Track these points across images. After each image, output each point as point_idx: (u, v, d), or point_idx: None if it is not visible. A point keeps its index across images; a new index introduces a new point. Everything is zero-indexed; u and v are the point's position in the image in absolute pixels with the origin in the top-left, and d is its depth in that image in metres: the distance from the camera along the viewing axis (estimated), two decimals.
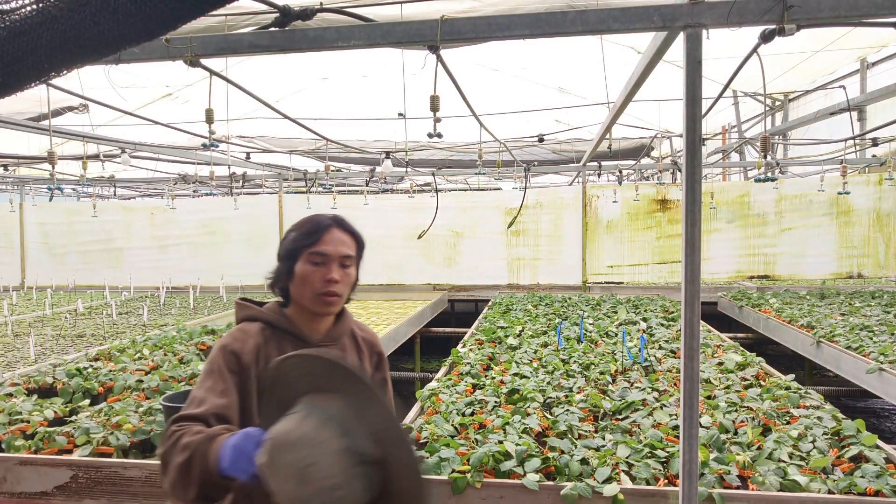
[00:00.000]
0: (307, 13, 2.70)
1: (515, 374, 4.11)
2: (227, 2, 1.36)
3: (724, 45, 5.07)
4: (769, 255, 8.80)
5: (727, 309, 7.93)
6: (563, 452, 2.77)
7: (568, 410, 3.31)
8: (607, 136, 5.64)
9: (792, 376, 4.06)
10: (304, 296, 1.66)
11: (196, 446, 1.36)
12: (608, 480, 2.52)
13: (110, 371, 4.27)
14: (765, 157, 5.42)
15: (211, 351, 1.68)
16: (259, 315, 1.70)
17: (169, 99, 7.21)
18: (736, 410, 3.34)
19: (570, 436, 3.00)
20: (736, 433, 3.05)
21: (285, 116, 5.58)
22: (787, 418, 3.27)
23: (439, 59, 2.91)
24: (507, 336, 5.42)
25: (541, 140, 8.48)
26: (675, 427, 3.04)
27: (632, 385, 3.89)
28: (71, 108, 6.77)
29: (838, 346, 4.99)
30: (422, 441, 2.98)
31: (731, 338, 5.83)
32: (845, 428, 3.00)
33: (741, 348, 4.94)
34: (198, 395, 1.57)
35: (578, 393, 3.72)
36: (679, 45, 2.26)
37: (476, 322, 6.49)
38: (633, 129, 8.99)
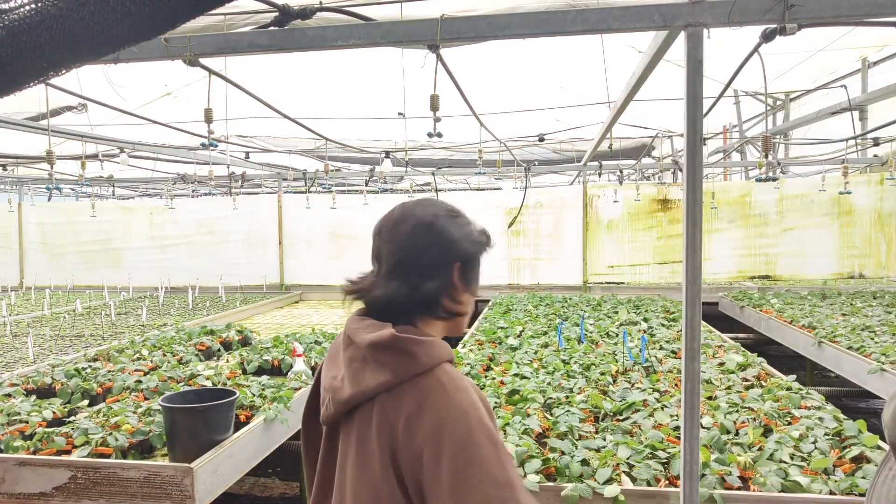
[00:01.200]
0: (307, 12, 2.70)
1: (516, 375, 4.10)
2: (226, 1, 1.35)
3: (725, 45, 5.07)
4: (770, 256, 8.79)
5: (728, 309, 7.92)
6: (563, 453, 2.76)
7: (568, 411, 3.30)
8: (608, 135, 5.63)
9: (793, 377, 4.05)
10: (466, 314, 1.30)
11: None
12: (609, 481, 2.51)
13: (109, 371, 4.26)
14: (766, 156, 5.41)
15: (474, 413, 1.15)
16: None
17: (168, 98, 7.19)
18: (737, 411, 3.33)
19: (570, 437, 2.99)
20: (737, 434, 3.04)
21: (285, 116, 5.58)
22: (789, 419, 3.26)
23: (439, 58, 2.91)
24: (507, 336, 5.41)
25: (541, 140, 8.47)
26: (676, 428, 3.03)
27: (632, 386, 3.88)
28: (70, 108, 6.76)
29: (839, 347, 4.97)
30: None
31: (732, 338, 5.82)
32: (846, 428, 3.00)
33: (742, 349, 4.93)
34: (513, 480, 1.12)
35: (579, 394, 3.70)
36: (680, 45, 2.25)
37: (476, 322, 6.48)
38: (634, 129, 8.98)
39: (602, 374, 4.09)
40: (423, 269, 1.25)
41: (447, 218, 1.29)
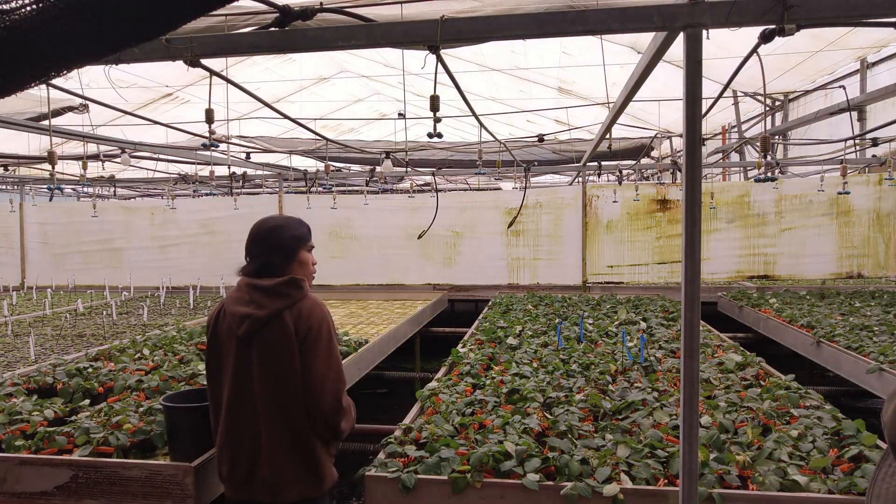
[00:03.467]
0: (307, 13, 2.71)
1: (515, 374, 4.11)
2: (227, 2, 1.36)
3: (724, 45, 5.08)
4: (769, 255, 8.80)
5: (727, 309, 7.93)
6: (563, 452, 2.77)
7: (568, 410, 3.31)
8: (607, 135, 5.64)
9: (792, 376, 4.06)
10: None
11: None
12: (608, 480, 2.52)
13: (110, 371, 4.26)
14: (765, 157, 5.42)
15: (324, 321, 2.46)
16: None
17: (169, 99, 7.21)
18: (736, 410, 3.33)
19: (570, 436, 3.00)
20: (736, 433, 3.05)
21: (285, 116, 5.59)
22: (787, 418, 3.27)
23: (439, 59, 2.91)
24: (507, 336, 5.42)
25: (541, 140, 8.48)
26: (675, 427, 3.04)
27: (632, 385, 3.89)
28: (71, 108, 6.78)
29: (838, 346, 4.98)
30: (422, 441, 2.98)
31: (730, 338, 5.83)
32: (845, 428, 3.00)
33: (741, 348, 4.93)
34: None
35: (578, 393, 3.71)
36: (679, 45, 2.26)
37: (476, 322, 6.49)
38: (633, 129, 9.00)
39: (601, 373, 4.10)
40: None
41: (282, 227, 2.63)
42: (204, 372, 4.20)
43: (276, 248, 2.54)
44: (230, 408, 2.46)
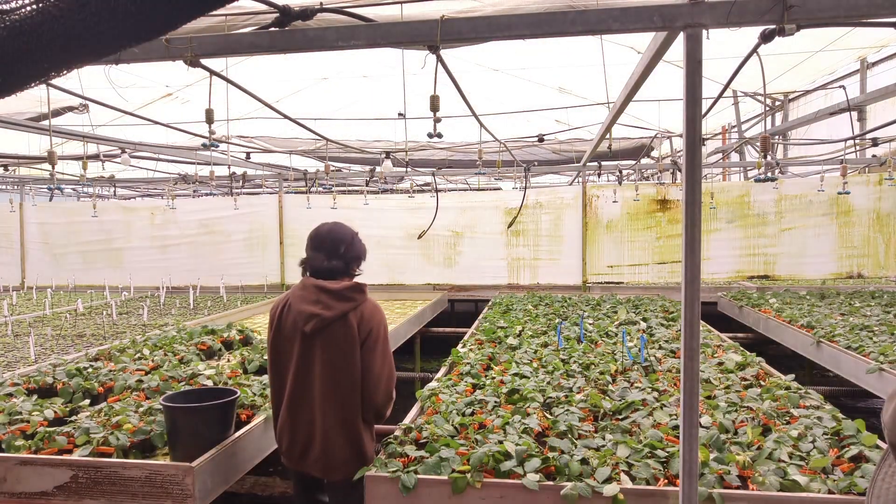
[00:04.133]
0: (307, 13, 2.71)
1: (515, 374, 4.11)
2: (226, 2, 1.36)
3: (724, 45, 5.08)
4: (769, 255, 8.80)
5: (727, 309, 7.93)
6: (563, 452, 2.77)
7: (568, 410, 3.31)
8: (607, 136, 5.64)
9: (792, 376, 4.06)
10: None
11: None
12: (608, 480, 2.52)
13: (110, 371, 4.27)
14: (765, 157, 5.42)
15: (382, 323, 2.80)
16: None
17: (169, 99, 7.21)
18: (736, 410, 3.34)
19: (570, 436, 3.00)
20: (736, 433, 3.05)
21: (285, 116, 5.58)
22: (787, 418, 3.27)
23: (439, 59, 2.91)
24: (507, 336, 5.42)
25: (541, 140, 8.48)
26: (675, 427, 3.04)
27: (632, 385, 3.89)
28: (71, 108, 6.77)
29: (838, 346, 4.98)
30: (422, 441, 2.98)
31: (731, 338, 5.83)
32: (845, 428, 3.00)
33: (741, 348, 4.93)
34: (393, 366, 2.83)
35: (578, 393, 3.71)
36: (679, 45, 2.26)
37: (476, 322, 6.49)
38: (633, 129, 8.99)
39: (601, 373, 4.10)
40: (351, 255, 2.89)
41: (356, 236, 2.93)
42: (204, 372, 4.24)
43: (354, 257, 2.88)
44: (292, 394, 2.77)
